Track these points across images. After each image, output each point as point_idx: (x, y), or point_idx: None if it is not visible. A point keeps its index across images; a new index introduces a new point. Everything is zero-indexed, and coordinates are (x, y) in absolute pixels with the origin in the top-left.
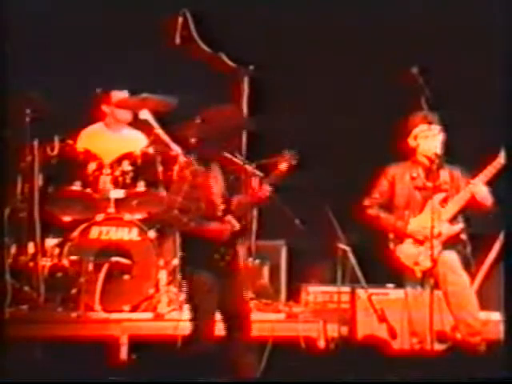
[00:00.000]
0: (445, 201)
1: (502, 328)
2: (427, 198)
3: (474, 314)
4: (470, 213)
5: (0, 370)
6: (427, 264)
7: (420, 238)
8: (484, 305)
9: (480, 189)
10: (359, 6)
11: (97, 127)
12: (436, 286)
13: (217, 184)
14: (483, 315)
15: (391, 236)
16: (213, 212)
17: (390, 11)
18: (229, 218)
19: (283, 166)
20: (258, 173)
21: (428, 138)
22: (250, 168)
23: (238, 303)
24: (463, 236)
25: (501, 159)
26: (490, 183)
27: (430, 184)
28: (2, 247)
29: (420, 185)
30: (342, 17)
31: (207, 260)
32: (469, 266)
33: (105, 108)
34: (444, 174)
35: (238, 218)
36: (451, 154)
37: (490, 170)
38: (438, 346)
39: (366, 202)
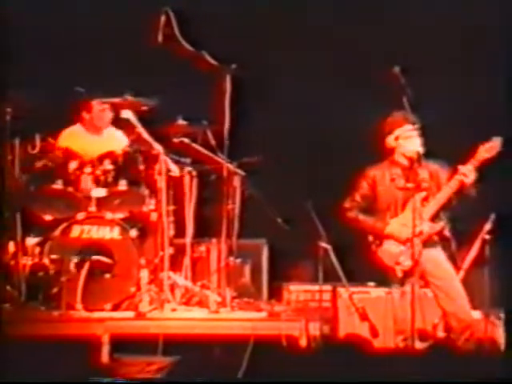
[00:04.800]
0: (426, 199)
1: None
2: (408, 198)
3: (465, 307)
4: (453, 210)
5: None
6: (409, 263)
7: (401, 238)
8: None
9: (470, 173)
10: (343, 5)
11: (76, 128)
12: (425, 284)
13: None
14: None
15: (370, 238)
16: None
17: (375, 10)
18: None
19: None
20: (239, 171)
21: (410, 139)
22: (231, 166)
23: None
24: (447, 233)
25: (490, 149)
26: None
27: (410, 185)
28: None
29: (401, 185)
30: (326, 16)
31: None
32: (454, 262)
33: (85, 115)
34: (422, 172)
35: None
36: (433, 151)
37: (479, 158)
38: (420, 345)
39: (347, 205)
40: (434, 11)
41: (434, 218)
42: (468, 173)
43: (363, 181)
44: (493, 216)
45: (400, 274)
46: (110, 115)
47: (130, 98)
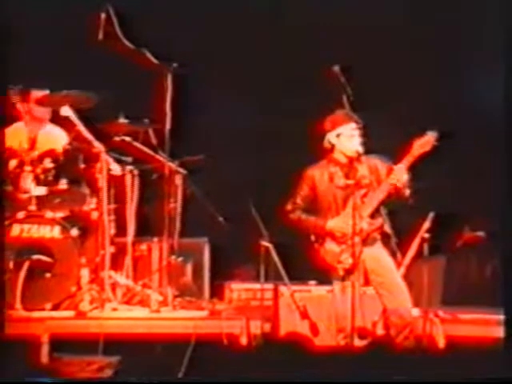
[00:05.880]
0: (365, 196)
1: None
2: (349, 196)
3: (406, 305)
4: (393, 205)
5: None
6: (350, 261)
7: (342, 237)
8: None
9: (401, 176)
10: (283, 2)
11: (17, 125)
12: (367, 282)
13: None
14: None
15: (313, 237)
16: None
17: (313, 8)
18: None
19: None
20: (181, 170)
21: (352, 137)
22: (173, 165)
23: None
24: (387, 229)
25: (425, 144)
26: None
27: (350, 182)
28: None
29: (340, 184)
30: (265, 15)
31: None
32: (396, 258)
33: (23, 106)
34: (362, 168)
35: None
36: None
37: (414, 154)
38: (359, 342)
39: (289, 207)
40: (373, 10)
41: (373, 214)
42: (398, 176)
43: (303, 182)
44: (431, 214)
45: (342, 273)
46: (47, 110)
47: (69, 92)
